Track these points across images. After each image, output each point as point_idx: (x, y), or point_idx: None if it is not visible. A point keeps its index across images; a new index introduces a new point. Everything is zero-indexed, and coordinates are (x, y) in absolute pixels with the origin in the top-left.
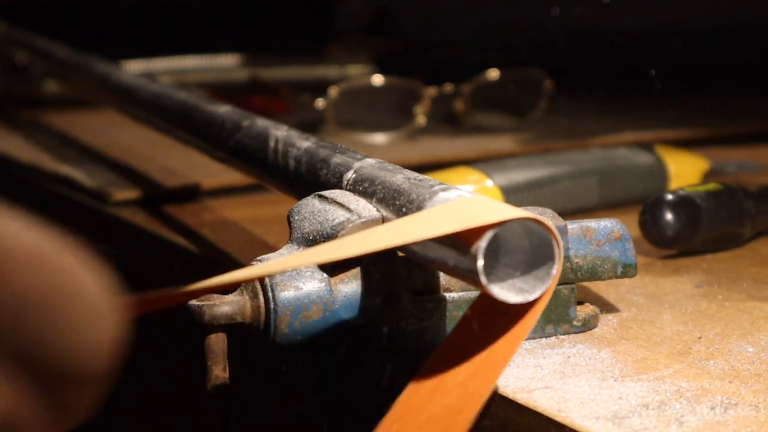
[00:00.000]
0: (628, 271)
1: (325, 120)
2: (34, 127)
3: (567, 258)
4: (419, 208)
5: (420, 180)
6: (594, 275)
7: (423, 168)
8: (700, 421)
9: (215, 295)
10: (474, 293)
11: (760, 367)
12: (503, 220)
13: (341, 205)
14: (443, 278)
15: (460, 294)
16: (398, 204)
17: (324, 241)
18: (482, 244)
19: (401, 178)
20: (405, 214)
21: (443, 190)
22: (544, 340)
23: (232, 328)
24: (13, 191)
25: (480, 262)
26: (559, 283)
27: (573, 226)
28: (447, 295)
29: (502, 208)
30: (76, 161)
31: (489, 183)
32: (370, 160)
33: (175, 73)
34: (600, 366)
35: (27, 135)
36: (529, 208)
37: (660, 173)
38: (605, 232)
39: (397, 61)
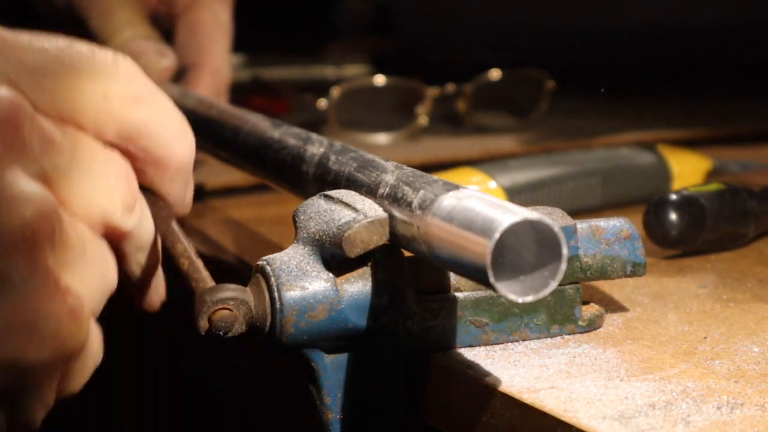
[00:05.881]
0: (637, 270)
1: (326, 120)
2: None
3: (576, 257)
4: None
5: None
6: (603, 274)
7: (425, 168)
8: (706, 420)
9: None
10: (483, 293)
11: (766, 367)
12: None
13: (347, 205)
14: (454, 278)
15: (469, 294)
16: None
17: (330, 241)
18: (491, 242)
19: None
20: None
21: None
22: (549, 340)
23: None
24: None
25: (488, 260)
26: (567, 283)
27: (582, 225)
28: (456, 294)
29: (512, 208)
30: None
31: (492, 184)
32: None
33: None
34: (606, 366)
35: None
36: (538, 207)
37: (663, 173)
38: (614, 231)
39: (397, 61)
